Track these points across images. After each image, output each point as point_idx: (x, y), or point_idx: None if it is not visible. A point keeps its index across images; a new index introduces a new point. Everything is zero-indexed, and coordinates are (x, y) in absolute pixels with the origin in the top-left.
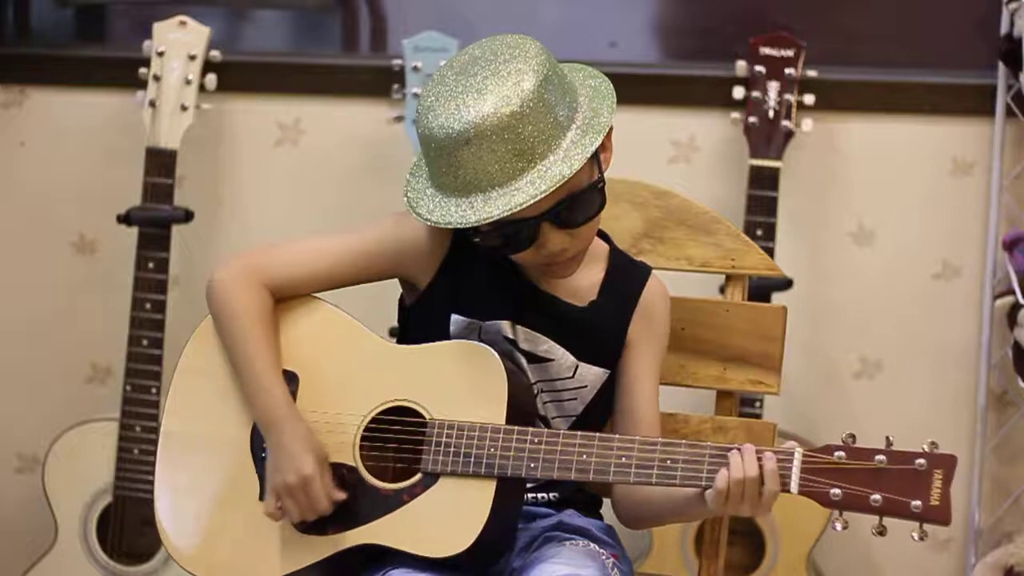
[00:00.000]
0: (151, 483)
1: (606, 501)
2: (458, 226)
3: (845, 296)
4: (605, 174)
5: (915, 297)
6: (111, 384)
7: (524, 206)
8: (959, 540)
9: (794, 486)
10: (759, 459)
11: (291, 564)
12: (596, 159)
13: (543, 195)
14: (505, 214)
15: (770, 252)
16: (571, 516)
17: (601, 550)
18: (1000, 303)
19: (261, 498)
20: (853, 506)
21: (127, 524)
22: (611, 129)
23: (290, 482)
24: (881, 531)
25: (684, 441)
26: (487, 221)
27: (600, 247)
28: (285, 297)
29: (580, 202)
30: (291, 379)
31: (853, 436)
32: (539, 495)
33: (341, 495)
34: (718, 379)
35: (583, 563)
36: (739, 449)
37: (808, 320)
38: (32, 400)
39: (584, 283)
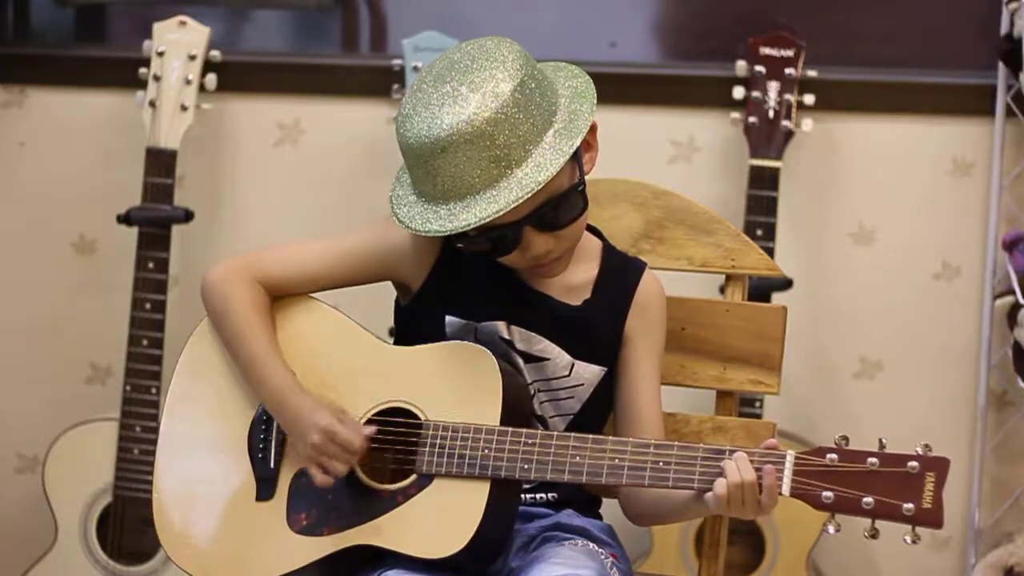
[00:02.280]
0: (151, 483)
1: (605, 501)
2: (437, 234)
3: (845, 296)
4: (604, 174)
5: (915, 297)
6: (111, 384)
7: (501, 213)
8: (959, 540)
9: (786, 488)
10: (758, 471)
11: (287, 564)
12: (577, 161)
13: (520, 202)
14: (483, 221)
15: (770, 252)
16: (569, 516)
17: (600, 550)
18: (1000, 303)
19: (257, 498)
20: (845, 509)
21: (127, 524)
22: (595, 127)
23: (315, 441)
24: (873, 534)
25: (676, 443)
26: (465, 229)
27: (593, 244)
28: (278, 297)
29: (561, 205)
30: None
31: (846, 438)
32: (537, 495)
33: (370, 429)
34: (718, 379)
35: (582, 563)
36: (731, 456)
37: (808, 320)
38: (32, 400)
39: (577, 281)
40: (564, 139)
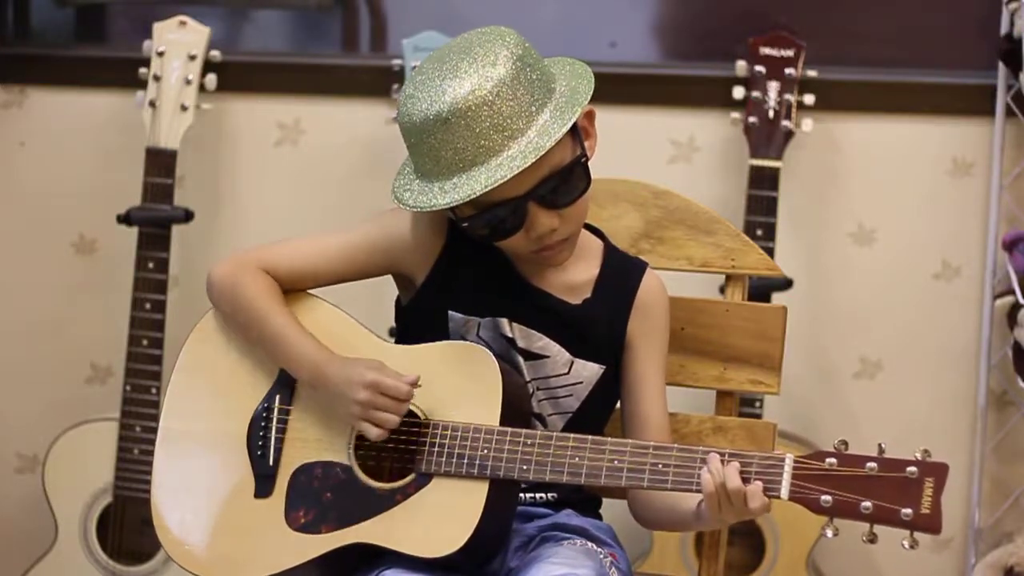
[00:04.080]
0: (151, 483)
1: (606, 501)
2: (444, 207)
3: (845, 296)
4: (604, 174)
5: (915, 297)
6: (111, 384)
7: (508, 178)
8: (959, 540)
9: (784, 492)
10: (742, 475)
11: (285, 561)
12: (578, 136)
13: (526, 166)
14: (489, 187)
15: (770, 252)
16: (568, 516)
17: (599, 549)
18: (1000, 303)
19: (256, 495)
20: (843, 513)
21: (127, 524)
22: (593, 114)
23: (363, 398)
24: (871, 539)
25: (676, 446)
26: (471, 197)
27: (595, 244)
28: (284, 291)
29: (565, 179)
30: (289, 378)
31: (845, 443)
32: (536, 495)
33: (413, 376)
34: (718, 379)
35: (581, 562)
36: (723, 460)
37: (808, 320)
38: (32, 400)
39: (578, 280)
40: (565, 109)
